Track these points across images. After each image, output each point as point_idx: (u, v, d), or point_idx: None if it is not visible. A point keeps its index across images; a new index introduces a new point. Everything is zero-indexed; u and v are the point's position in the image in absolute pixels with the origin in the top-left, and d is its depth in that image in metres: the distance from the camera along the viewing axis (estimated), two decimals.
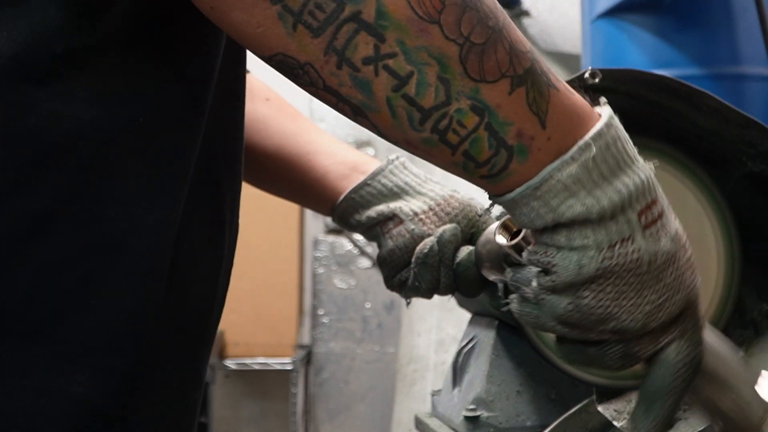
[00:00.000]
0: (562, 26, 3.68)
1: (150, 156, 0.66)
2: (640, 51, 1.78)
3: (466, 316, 1.17)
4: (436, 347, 2.96)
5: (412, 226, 0.99)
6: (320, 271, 4.21)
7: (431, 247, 0.95)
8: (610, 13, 1.82)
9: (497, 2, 0.60)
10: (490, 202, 0.65)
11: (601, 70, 0.88)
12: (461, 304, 1.19)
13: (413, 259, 0.97)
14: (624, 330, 0.66)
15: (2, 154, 0.60)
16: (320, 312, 4.18)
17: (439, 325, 2.97)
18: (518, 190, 0.61)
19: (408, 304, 1.04)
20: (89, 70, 0.62)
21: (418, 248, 0.97)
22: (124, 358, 0.65)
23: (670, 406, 0.72)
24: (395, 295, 3.76)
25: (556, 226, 0.62)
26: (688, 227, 0.96)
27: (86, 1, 0.62)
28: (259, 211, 3.69)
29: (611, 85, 0.91)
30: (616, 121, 0.64)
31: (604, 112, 0.64)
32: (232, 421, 4.12)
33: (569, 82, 0.90)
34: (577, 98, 0.63)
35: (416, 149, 0.61)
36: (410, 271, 0.98)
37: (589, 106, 0.64)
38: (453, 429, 1.04)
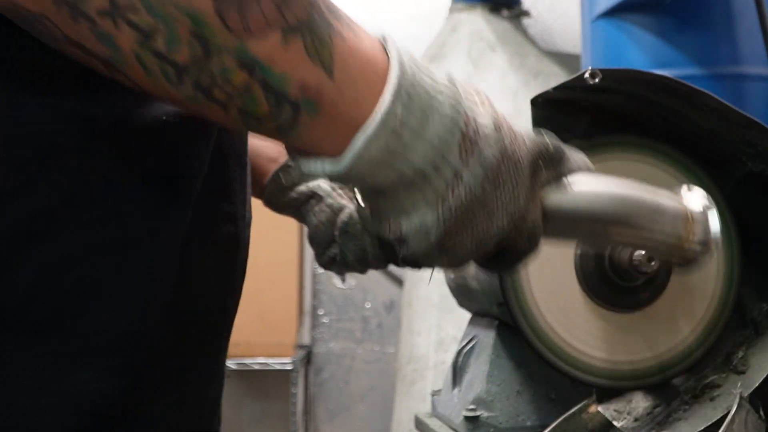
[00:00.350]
0: (562, 26, 3.68)
1: (164, 154, 0.65)
2: (640, 51, 1.78)
3: (466, 316, 1.17)
4: (436, 347, 2.95)
5: (330, 201, 0.99)
6: (320, 271, 4.20)
7: (350, 215, 0.96)
8: (610, 13, 1.82)
9: None
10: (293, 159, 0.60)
11: (601, 70, 0.88)
12: (461, 304, 1.19)
13: (336, 233, 0.97)
14: (494, 237, 0.62)
15: (4, 153, 0.60)
16: (320, 312, 4.18)
17: (439, 324, 2.96)
18: (327, 168, 0.57)
19: (343, 281, 1.06)
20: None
21: (338, 220, 0.97)
22: (125, 358, 0.64)
23: None
24: (395, 295, 3.74)
25: (380, 192, 0.59)
26: None
27: None
28: (259, 212, 3.67)
29: (611, 85, 0.91)
30: (407, 57, 0.58)
31: (392, 53, 0.58)
32: (232, 421, 4.12)
33: (569, 82, 0.90)
34: (366, 43, 0.58)
35: (187, 107, 0.56)
36: (337, 246, 0.98)
37: (378, 45, 0.59)
38: (453, 429, 1.04)
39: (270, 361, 3.85)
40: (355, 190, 0.68)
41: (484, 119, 0.60)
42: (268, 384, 4.10)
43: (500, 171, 0.61)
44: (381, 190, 0.59)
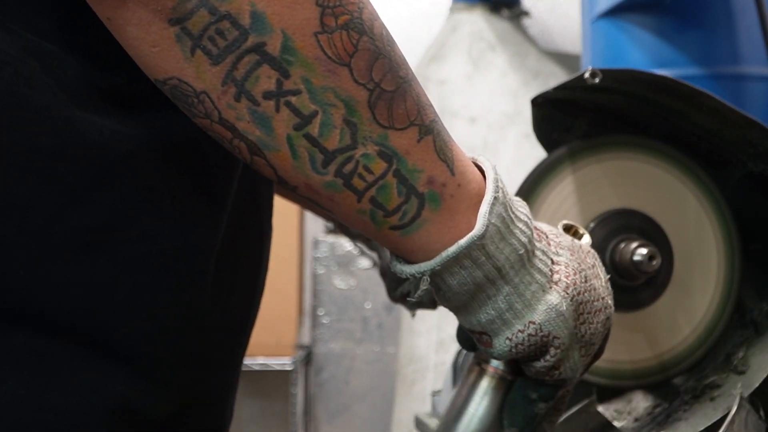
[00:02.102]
0: (562, 26, 3.68)
1: (201, 171, 0.66)
2: (640, 51, 1.78)
3: None
4: (436, 347, 2.95)
5: None
6: (320, 271, 4.21)
7: None
8: (610, 13, 1.82)
9: (404, 57, 0.60)
10: (401, 270, 0.62)
11: (601, 70, 0.88)
12: None
13: None
14: (609, 321, 0.70)
15: (62, 169, 0.60)
16: (320, 312, 4.18)
17: (440, 325, 2.96)
18: (448, 251, 0.60)
19: (413, 315, 1.04)
20: (145, 91, 0.62)
21: None
22: (166, 367, 0.65)
23: None
24: None
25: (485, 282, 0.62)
26: (688, 227, 0.96)
27: None
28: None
29: (611, 85, 0.91)
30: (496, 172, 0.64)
31: (485, 163, 0.64)
32: (232, 421, 4.12)
33: (569, 82, 0.90)
34: (456, 145, 0.63)
35: (318, 195, 0.58)
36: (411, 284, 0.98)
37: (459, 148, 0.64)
38: None
39: (270, 361, 3.85)
40: None
41: (553, 231, 0.68)
42: (268, 384, 4.10)
43: (582, 257, 0.68)
44: (489, 279, 0.62)
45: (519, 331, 0.63)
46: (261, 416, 4.17)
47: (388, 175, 0.57)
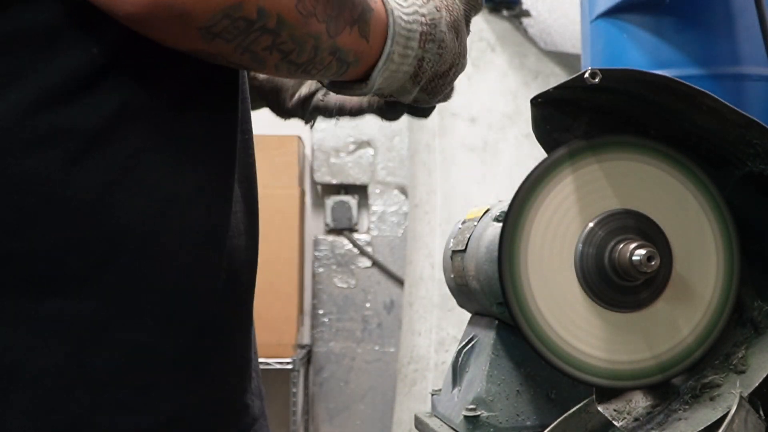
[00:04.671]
0: (562, 26, 3.67)
1: (210, 155, 0.82)
2: (640, 51, 1.78)
3: (466, 316, 1.17)
4: (436, 347, 2.96)
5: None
6: (320, 271, 4.21)
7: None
8: (610, 13, 1.81)
9: None
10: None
11: (601, 70, 0.88)
12: (461, 304, 1.19)
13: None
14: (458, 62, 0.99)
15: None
16: (320, 312, 4.18)
17: (440, 324, 2.97)
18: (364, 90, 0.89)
19: (311, 125, 1.19)
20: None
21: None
22: (192, 321, 0.79)
23: None
24: (395, 295, 3.74)
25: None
26: (688, 227, 0.96)
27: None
28: (259, 212, 3.69)
29: (611, 85, 0.91)
30: (395, 7, 0.88)
31: (387, 6, 0.87)
32: None
33: (569, 82, 0.90)
34: (379, 4, 0.87)
35: (287, 77, 0.98)
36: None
37: (381, 4, 0.87)
38: (453, 429, 1.04)
39: (270, 361, 3.85)
40: None
41: (428, 11, 0.90)
42: (268, 384, 4.10)
43: (446, 37, 0.92)
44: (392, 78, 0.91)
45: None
46: None
47: (332, 62, 0.84)
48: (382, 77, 0.89)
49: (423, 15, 0.90)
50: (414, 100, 0.97)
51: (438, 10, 0.91)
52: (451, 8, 0.93)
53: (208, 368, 0.81)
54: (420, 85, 0.93)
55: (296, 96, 1.16)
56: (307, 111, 1.16)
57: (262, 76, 1.15)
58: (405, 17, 0.89)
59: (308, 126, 1.19)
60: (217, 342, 0.82)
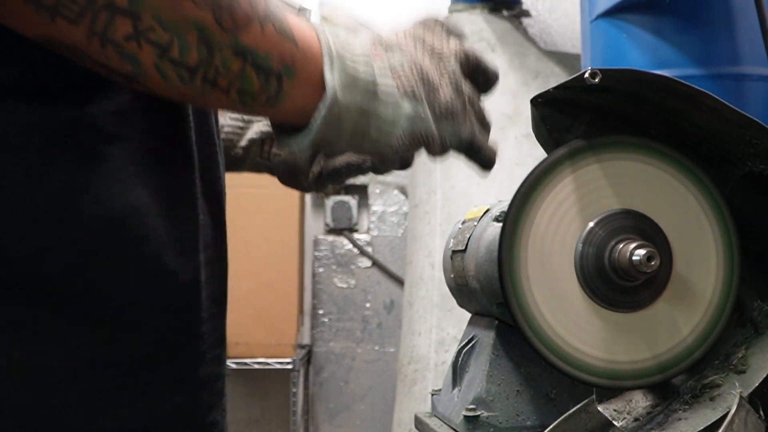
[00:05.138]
0: (562, 26, 3.67)
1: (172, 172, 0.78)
2: (640, 51, 1.78)
3: (466, 316, 1.17)
4: (436, 347, 2.95)
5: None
6: (320, 270, 4.20)
7: None
8: (610, 13, 1.81)
9: None
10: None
11: (601, 70, 0.88)
12: (461, 304, 1.19)
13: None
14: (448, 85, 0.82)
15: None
16: (320, 312, 4.18)
17: (440, 324, 2.96)
18: (316, 122, 0.74)
19: (326, 196, 1.14)
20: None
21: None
22: (152, 332, 0.76)
23: None
24: (395, 295, 3.73)
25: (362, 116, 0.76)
26: (688, 227, 0.96)
27: None
28: (259, 211, 3.69)
29: (611, 85, 0.91)
30: (324, 29, 0.76)
31: (316, 27, 0.76)
32: (232, 421, 4.11)
33: (569, 82, 0.90)
34: (297, 18, 0.75)
35: (194, 100, 0.74)
36: (318, 163, 1.09)
37: (304, 20, 0.76)
38: (453, 429, 1.04)
39: (270, 360, 3.85)
40: None
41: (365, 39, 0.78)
42: (268, 384, 4.10)
43: (405, 45, 0.79)
44: (362, 116, 0.76)
45: (398, 142, 0.78)
46: (261, 416, 4.17)
47: (246, 68, 0.70)
48: (338, 106, 0.74)
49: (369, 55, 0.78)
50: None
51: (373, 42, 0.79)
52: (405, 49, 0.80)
53: (169, 379, 0.78)
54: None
55: (311, 175, 1.10)
56: (322, 184, 1.11)
57: (273, 157, 1.08)
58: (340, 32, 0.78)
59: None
60: (176, 354, 0.78)
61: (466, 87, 0.83)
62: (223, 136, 1.08)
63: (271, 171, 1.12)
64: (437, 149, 0.81)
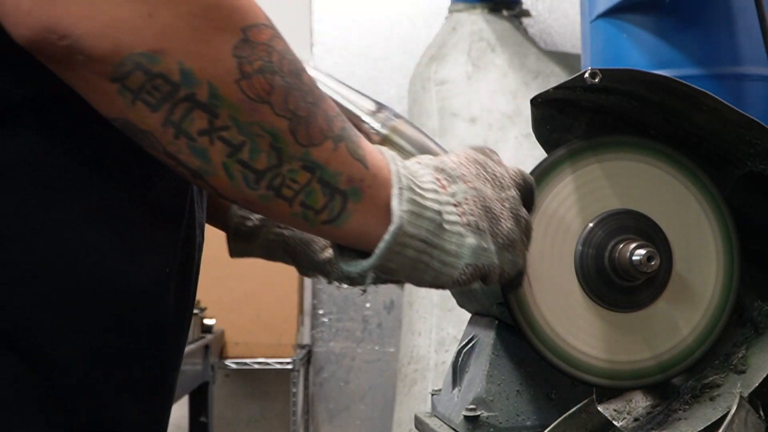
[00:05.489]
0: (562, 26, 3.68)
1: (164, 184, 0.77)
2: (640, 51, 1.78)
3: (466, 316, 1.17)
4: (436, 347, 2.96)
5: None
6: None
7: None
8: (610, 13, 1.81)
9: (312, 79, 0.71)
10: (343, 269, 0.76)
11: (601, 70, 0.88)
12: (461, 304, 1.19)
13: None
14: (518, 226, 0.82)
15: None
16: (320, 312, 4.18)
17: (440, 324, 2.96)
18: (380, 247, 0.73)
19: (338, 287, 1.08)
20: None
21: None
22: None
23: None
24: (395, 295, 3.73)
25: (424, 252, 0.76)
26: (688, 227, 0.96)
27: None
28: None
29: (611, 85, 0.91)
30: (396, 138, 0.80)
31: (385, 153, 0.75)
32: (232, 421, 4.12)
33: (569, 82, 0.90)
34: (363, 140, 0.75)
35: (256, 206, 0.71)
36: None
37: (367, 142, 0.75)
38: (453, 429, 1.03)
39: (270, 360, 3.85)
40: None
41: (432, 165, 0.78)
42: (268, 384, 4.10)
43: (469, 174, 0.78)
44: (425, 251, 0.75)
45: (461, 275, 0.77)
46: (261, 416, 4.17)
47: (312, 182, 0.70)
48: (406, 234, 0.73)
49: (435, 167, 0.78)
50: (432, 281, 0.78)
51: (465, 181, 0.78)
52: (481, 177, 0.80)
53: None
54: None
55: (327, 250, 1.06)
56: (336, 270, 1.07)
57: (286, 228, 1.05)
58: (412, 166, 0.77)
59: (331, 284, 1.04)
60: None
61: (523, 212, 0.82)
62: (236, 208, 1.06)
63: (286, 246, 1.07)
64: (495, 279, 0.80)
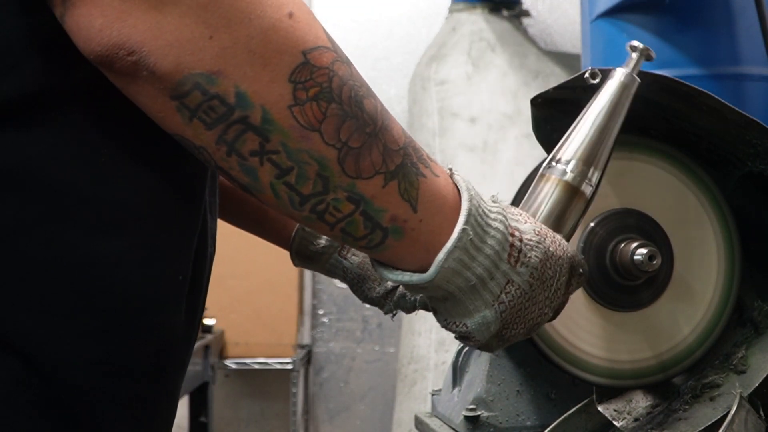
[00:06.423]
0: (562, 26, 3.68)
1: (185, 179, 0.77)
2: None
3: None
4: (436, 347, 2.96)
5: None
6: None
7: None
8: (610, 13, 1.81)
9: (379, 107, 0.70)
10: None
11: (601, 70, 0.88)
12: None
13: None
14: (541, 324, 0.80)
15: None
16: (320, 312, 4.18)
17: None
18: (414, 279, 0.73)
19: (393, 316, 1.08)
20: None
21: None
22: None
23: None
24: None
25: (448, 298, 0.75)
26: (689, 227, 0.96)
27: None
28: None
29: None
30: (471, 185, 0.75)
31: (461, 184, 0.74)
32: (232, 421, 4.12)
33: (569, 82, 0.90)
34: (442, 180, 0.74)
35: (298, 221, 0.76)
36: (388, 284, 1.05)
37: (448, 179, 0.74)
38: (453, 429, 1.04)
39: (270, 360, 3.84)
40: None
41: (526, 229, 0.76)
42: (268, 384, 4.10)
43: (545, 269, 0.77)
44: (449, 295, 0.74)
45: (455, 324, 0.77)
46: (261, 416, 4.17)
47: (355, 214, 0.70)
48: (450, 263, 0.72)
49: (510, 224, 0.76)
50: (469, 336, 0.78)
51: (538, 234, 0.77)
52: (556, 244, 0.79)
53: None
54: (498, 313, 0.76)
55: (382, 286, 1.07)
56: (390, 302, 1.08)
57: (350, 256, 1.07)
58: (485, 206, 0.75)
59: (388, 315, 1.09)
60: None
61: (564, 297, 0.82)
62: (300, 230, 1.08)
63: (344, 275, 1.10)
64: (469, 345, 0.81)
